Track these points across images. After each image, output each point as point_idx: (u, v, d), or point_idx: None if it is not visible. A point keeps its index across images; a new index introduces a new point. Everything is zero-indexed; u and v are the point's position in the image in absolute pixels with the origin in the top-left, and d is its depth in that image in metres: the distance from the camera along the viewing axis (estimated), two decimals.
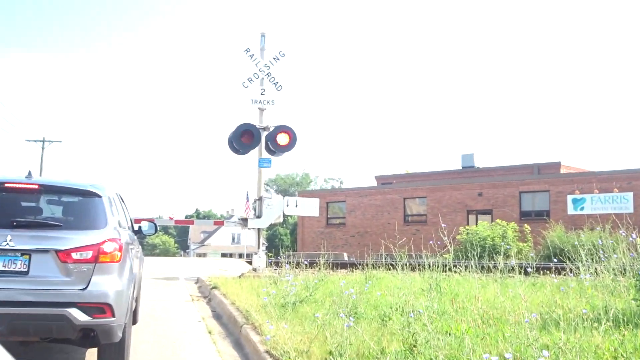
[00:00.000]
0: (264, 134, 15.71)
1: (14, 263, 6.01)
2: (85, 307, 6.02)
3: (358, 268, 13.70)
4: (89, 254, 6.23)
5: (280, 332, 6.38)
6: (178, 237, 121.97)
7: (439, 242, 11.68)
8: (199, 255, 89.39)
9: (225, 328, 8.58)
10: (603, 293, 7.60)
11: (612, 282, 8.14)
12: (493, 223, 27.57)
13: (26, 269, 6.01)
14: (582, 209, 34.43)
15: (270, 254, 17.95)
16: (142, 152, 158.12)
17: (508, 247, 22.75)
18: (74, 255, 6.17)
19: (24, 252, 6.05)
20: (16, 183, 6.74)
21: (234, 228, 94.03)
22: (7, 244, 5.98)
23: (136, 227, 8.79)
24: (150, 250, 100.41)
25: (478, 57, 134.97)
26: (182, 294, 12.76)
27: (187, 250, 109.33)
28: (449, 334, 5.96)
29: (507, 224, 26.23)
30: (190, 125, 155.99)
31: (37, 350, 7.22)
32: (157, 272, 17.45)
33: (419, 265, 11.52)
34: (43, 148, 53.56)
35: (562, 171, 42.37)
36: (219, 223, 16.06)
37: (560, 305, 6.78)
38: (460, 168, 48.82)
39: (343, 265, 18.69)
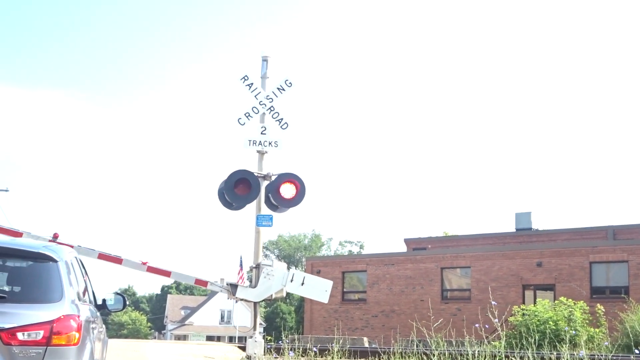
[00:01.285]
0: (264, 184, 15.72)
1: None
2: None
3: (382, 357, 13.53)
4: (39, 335, 6.17)
5: None
6: (152, 315, 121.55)
7: (486, 326, 11.55)
8: (178, 337, 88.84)
9: None
10: None
11: None
12: (556, 302, 27.24)
13: None
14: None
15: (269, 338, 17.77)
16: (109, 206, 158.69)
17: (575, 333, 22.40)
18: (20, 336, 6.11)
19: None
20: None
21: (223, 304, 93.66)
22: None
23: (100, 300, 8.77)
24: (116, 330, 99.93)
25: (536, 94, 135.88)
26: None
27: (163, 332, 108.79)
28: None
29: (575, 304, 25.88)
30: (173, 173, 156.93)
31: None
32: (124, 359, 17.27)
33: (461, 354, 11.34)
34: None
35: None
36: (202, 283, 15.84)
37: None
38: (514, 230, 48.63)
39: (363, 354, 18.49)
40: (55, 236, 14.79)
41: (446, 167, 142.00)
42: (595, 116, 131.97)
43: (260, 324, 16.23)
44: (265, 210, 15.81)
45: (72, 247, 14.41)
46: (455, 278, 41.84)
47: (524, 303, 32.57)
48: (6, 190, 56.63)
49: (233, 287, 15.52)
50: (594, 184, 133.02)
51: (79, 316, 6.54)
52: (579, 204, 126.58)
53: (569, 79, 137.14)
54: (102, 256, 15.22)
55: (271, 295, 15.56)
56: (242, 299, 15.73)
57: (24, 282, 6.81)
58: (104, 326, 9.21)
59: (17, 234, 14.53)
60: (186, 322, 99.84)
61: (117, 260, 15.36)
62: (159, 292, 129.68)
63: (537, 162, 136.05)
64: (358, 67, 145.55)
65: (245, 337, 16.99)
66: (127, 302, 9.38)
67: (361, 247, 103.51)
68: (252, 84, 15.84)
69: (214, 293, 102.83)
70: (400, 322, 39.70)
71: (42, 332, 6.16)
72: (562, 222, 73.30)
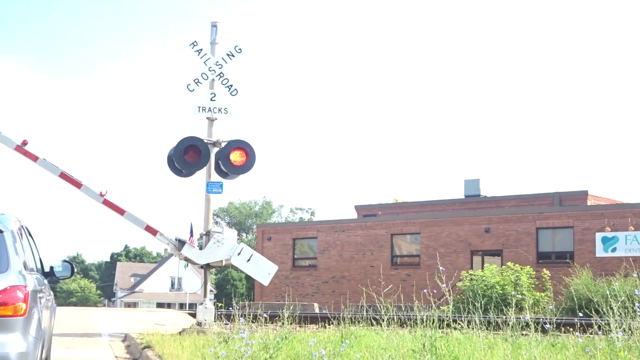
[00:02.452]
0: (214, 151, 15.61)
1: None
2: None
3: (332, 323, 13.64)
4: None
5: None
6: (101, 282, 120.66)
7: (435, 291, 11.71)
8: (128, 305, 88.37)
9: None
10: (638, 356, 7.64)
11: None
12: (503, 267, 27.73)
13: None
14: (613, 249, 34.74)
15: (220, 304, 17.73)
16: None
17: (521, 297, 22.83)
18: None
19: None
20: None
21: (173, 271, 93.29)
22: None
23: (47, 268, 8.71)
24: (65, 298, 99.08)
25: (483, 60, 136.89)
26: (105, 355, 12.57)
27: (113, 299, 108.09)
28: None
29: (521, 269, 26.39)
30: (122, 140, 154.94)
31: None
32: (73, 327, 17.14)
33: (410, 319, 11.48)
34: None
35: (589, 202, 42.87)
36: (152, 231, 15.56)
37: None
38: (463, 197, 49.10)
39: (313, 319, 18.62)
40: (25, 143, 14.80)
41: (396, 134, 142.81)
42: (542, 84, 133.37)
43: (211, 290, 16.19)
44: (215, 177, 15.71)
45: (37, 158, 14.70)
46: (405, 244, 42.20)
47: (472, 268, 33.03)
48: None
49: (180, 244, 15.36)
50: (540, 151, 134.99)
51: (25, 286, 6.52)
52: (526, 171, 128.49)
53: (515, 51, 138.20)
54: (64, 175, 15.11)
55: (220, 262, 15.51)
56: (185, 258, 15.59)
57: None
58: (52, 294, 9.19)
59: None
60: (136, 290, 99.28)
61: (77, 184, 15.19)
62: (108, 260, 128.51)
63: (485, 129, 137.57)
64: (309, 31, 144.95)
65: (196, 304, 16.96)
66: (75, 270, 9.39)
67: (312, 214, 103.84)
68: (201, 49, 15.64)
69: (164, 260, 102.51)
70: (351, 288, 39.95)
71: None
72: (509, 189, 74.22)
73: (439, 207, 47.91)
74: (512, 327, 10.83)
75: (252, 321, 11.77)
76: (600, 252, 35.03)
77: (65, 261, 8.93)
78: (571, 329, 11.40)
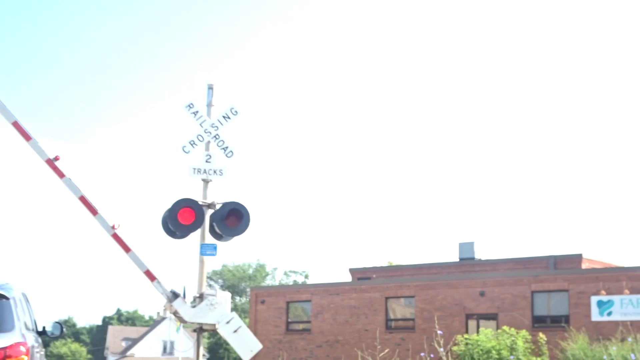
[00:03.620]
0: (208, 213, 15.50)
1: None
2: None
3: None
4: None
5: None
6: (92, 346, 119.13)
7: (432, 355, 11.54)
8: None
9: None
10: None
11: None
12: (499, 331, 27.50)
13: None
14: (609, 314, 34.45)
15: None
16: (48, 236, 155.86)
17: None
18: None
19: None
20: None
21: (165, 334, 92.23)
22: None
23: (40, 328, 10.17)
24: None
25: (481, 125, 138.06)
26: None
27: None
28: None
29: (517, 332, 26.19)
30: (118, 201, 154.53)
31: None
32: None
33: None
34: None
35: (583, 266, 42.63)
36: (150, 277, 15.17)
37: None
38: (458, 260, 48.88)
39: None
40: (56, 158, 14.80)
41: (391, 197, 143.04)
42: (537, 148, 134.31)
43: (204, 355, 15.93)
44: (210, 239, 15.56)
45: (64, 176, 14.71)
46: (400, 307, 41.85)
47: (467, 332, 32.75)
48: None
49: (174, 296, 15.05)
50: (535, 214, 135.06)
51: (26, 343, 8.05)
52: (521, 234, 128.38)
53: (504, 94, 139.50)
54: (83, 199, 14.86)
55: (213, 325, 15.24)
56: (175, 312, 15.31)
57: None
58: (43, 349, 10.46)
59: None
60: (127, 354, 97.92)
61: (94, 210, 14.92)
62: (100, 324, 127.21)
63: (480, 192, 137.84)
64: (302, 96, 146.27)
65: None
66: (64, 330, 10.94)
67: (306, 277, 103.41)
68: (197, 111, 15.62)
69: (156, 323, 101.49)
70: (345, 352, 39.53)
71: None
72: (504, 252, 73.97)
73: (434, 270, 47.66)
74: None
75: None
76: (595, 316, 34.75)
77: (56, 322, 10.29)
78: None
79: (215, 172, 15.51)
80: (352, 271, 51.98)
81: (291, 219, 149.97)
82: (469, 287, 38.92)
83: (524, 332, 26.45)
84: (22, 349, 7.88)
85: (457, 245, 49.68)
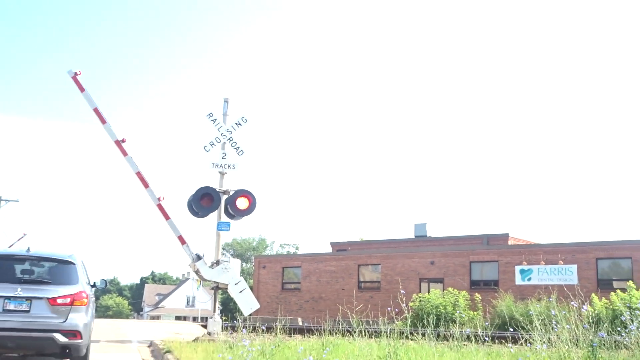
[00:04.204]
0: (223, 198, 15.38)
1: (21, 305, 9.10)
2: (65, 333, 9.12)
3: (314, 334, 13.25)
4: (67, 300, 9.29)
5: None
6: (132, 300, 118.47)
7: (396, 309, 11.39)
8: (153, 318, 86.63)
9: None
10: None
11: (566, 352, 7.94)
12: (445, 291, 27.35)
13: (28, 309, 9.11)
14: (529, 279, 34.59)
15: (225, 318, 17.32)
16: (99, 212, 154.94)
17: (462, 315, 22.50)
18: (59, 301, 9.23)
19: (27, 298, 9.13)
20: (21, 255, 10.00)
21: (189, 291, 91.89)
22: (18, 293, 9.10)
23: (92, 282, 11.07)
24: (103, 312, 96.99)
25: (432, 129, 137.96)
26: (134, 358, 12.11)
27: (141, 313, 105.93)
28: None
29: (459, 293, 26.03)
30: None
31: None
32: (109, 335, 16.61)
33: (375, 332, 11.19)
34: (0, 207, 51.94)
35: (510, 242, 42.76)
36: (182, 240, 15.10)
37: None
38: (413, 237, 48.91)
39: (299, 331, 18.21)
40: (123, 140, 14.98)
41: (364, 186, 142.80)
42: (480, 140, 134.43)
43: (219, 307, 15.72)
44: (224, 218, 15.45)
45: (127, 154, 14.97)
46: (369, 273, 41.75)
47: (420, 292, 32.63)
48: (16, 201, 54.58)
49: (198, 258, 15.01)
50: (473, 202, 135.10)
51: (86, 292, 9.64)
52: (462, 217, 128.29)
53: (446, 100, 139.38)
54: (139, 175, 15.00)
55: (226, 285, 15.09)
56: (197, 271, 15.20)
57: (60, 274, 9.79)
58: (94, 297, 11.33)
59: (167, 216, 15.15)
60: (159, 306, 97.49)
61: (146, 184, 15.03)
62: (138, 282, 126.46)
63: (431, 184, 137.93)
64: (287, 93, 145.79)
65: (207, 318, 16.51)
66: (108, 285, 12.33)
67: (296, 248, 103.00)
68: (215, 119, 15.51)
69: (181, 282, 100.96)
70: (326, 306, 39.40)
71: (69, 299, 9.27)
72: (449, 231, 74.08)
73: (395, 244, 47.64)
74: (457, 339, 10.54)
75: (251, 332, 11.44)
76: (519, 281, 34.85)
77: (102, 279, 11.30)
78: (504, 341, 11.14)
79: (229, 166, 15.38)
80: (333, 244, 51.88)
81: (286, 204, 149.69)
82: (422, 258, 38.93)
83: (464, 293, 26.27)
84: (84, 295, 9.47)
85: (413, 225, 49.78)
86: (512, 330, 10.43)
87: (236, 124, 15.57)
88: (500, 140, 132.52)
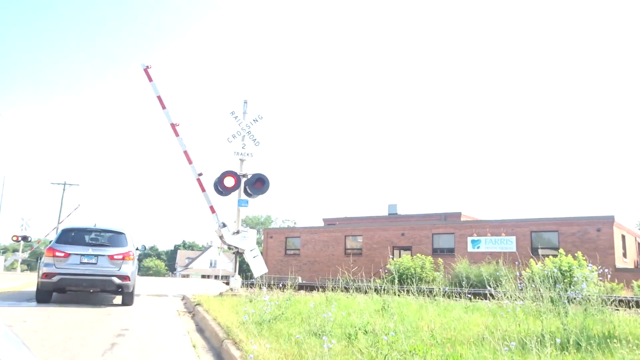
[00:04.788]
0: (243, 180, 14.65)
1: (91, 260, 10.59)
2: (119, 277, 10.61)
3: (315, 289, 12.61)
4: (121, 256, 10.73)
5: (261, 350, 5.25)
6: (167, 262, 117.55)
7: (380, 269, 10.74)
8: (184, 276, 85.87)
9: (207, 342, 7.32)
10: (530, 316, 6.73)
11: (534, 306, 7.29)
12: (414, 257, 26.80)
13: (95, 262, 10.57)
14: (478, 247, 34.13)
15: (241, 277, 16.63)
16: (144, 192, 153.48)
17: (428, 275, 21.90)
18: (115, 257, 10.68)
19: (95, 255, 10.61)
20: (91, 229, 11.32)
21: (212, 256, 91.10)
22: (89, 252, 10.61)
23: (136, 246, 12.08)
24: (145, 271, 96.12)
25: (404, 125, 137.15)
26: (170, 309, 11.39)
27: (174, 272, 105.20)
28: (413, 354, 4.96)
29: (425, 257, 25.48)
30: (184, 170, 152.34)
31: (98, 295, 12.28)
32: (150, 289, 15.97)
33: (359, 288, 10.65)
34: (64, 190, 50.88)
35: (462, 219, 42.29)
36: (212, 210, 14.42)
37: (503, 328, 5.85)
38: (387, 214, 48.38)
39: (300, 287, 17.59)
40: (178, 124, 14.29)
41: (349, 174, 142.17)
42: (436, 143, 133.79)
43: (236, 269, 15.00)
44: (244, 196, 14.73)
45: (178, 135, 14.25)
46: (353, 242, 41.18)
47: (394, 258, 32.13)
48: (77, 185, 53.43)
49: (223, 225, 14.34)
50: (434, 186, 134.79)
51: (133, 251, 11.07)
52: (426, 198, 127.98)
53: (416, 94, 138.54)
54: (186, 153, 14.33)
55: (244, 250, 14.42)
56: (221, 236, 14.50)
57: (115, 240, 11.18)
58: (137, 256, 12.22)
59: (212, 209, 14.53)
60: (189, 267, 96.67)
61: (190, 160, 14.34)
62: (172, 249, 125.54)
63: (400, 170, 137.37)
64: (293, 82, 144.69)
65: (228, 276, 15.80)
66: (148, 249, 13.65)
67: (295, 223, 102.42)
68: (237, 116, 14.75)
69: (206, 249, 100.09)
70: (320, 268, 38.86)
71: (122, 255, 10.73)
72: (415, 209, 73.53)
73: (373, 220, 47.06)
74: (434, 295, 9.92)
75: (267, 287, 10.80)
76: (470, 249, 34.37)
77: (143, 245, 12.46)
78: (471, 297, 10.49)
79: (248, 154, 14.64)
80: (325, 220, 51.23)
81: (287, 186, 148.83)
82: (394, 231, 38.37)
83: (429, 258, 25.73)
84: (131, 254, 10.88)
85: (387, 205, 49.22)
86: (470, 287, 9.81)
87: (254, 120, 14.80)
88: (459, 134, 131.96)
